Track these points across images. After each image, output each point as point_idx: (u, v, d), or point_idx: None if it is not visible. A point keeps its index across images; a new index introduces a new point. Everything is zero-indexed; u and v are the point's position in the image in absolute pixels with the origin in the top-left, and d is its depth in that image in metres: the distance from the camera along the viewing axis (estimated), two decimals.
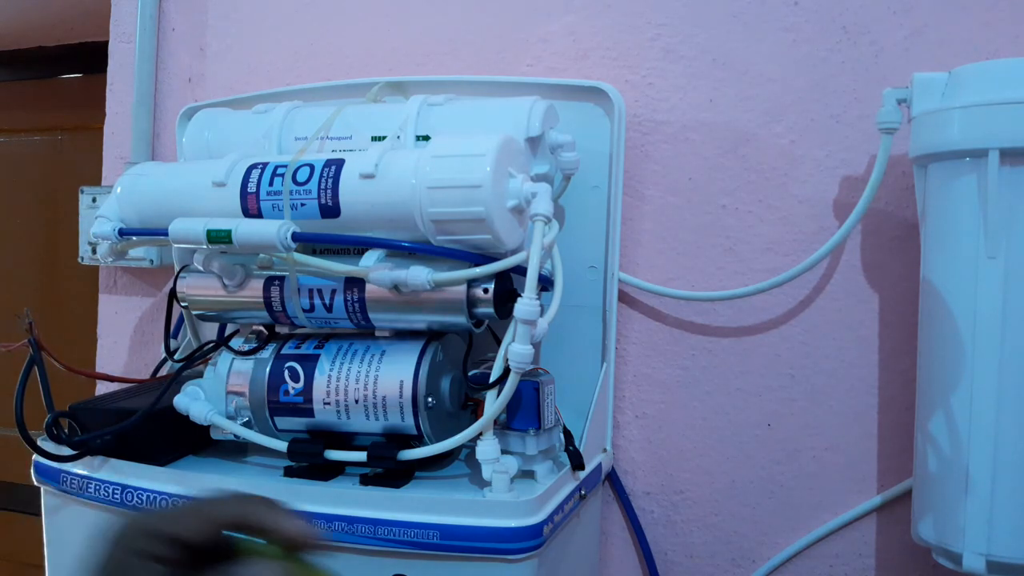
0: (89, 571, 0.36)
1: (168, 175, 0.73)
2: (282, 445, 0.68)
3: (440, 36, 0.91)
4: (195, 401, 0.70)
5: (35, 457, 0.70)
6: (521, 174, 0.63)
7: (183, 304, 0.74)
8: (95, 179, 1.08)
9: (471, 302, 0.64)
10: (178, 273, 0.74)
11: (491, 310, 0.64)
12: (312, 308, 0.68)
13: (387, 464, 0.66)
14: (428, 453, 0.64)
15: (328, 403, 0.67)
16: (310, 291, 0.68)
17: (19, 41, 1.63)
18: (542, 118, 0.70)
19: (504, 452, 0.64)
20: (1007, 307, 0.61)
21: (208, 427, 0.70)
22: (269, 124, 0.76)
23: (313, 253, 0.67)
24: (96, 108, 1.09)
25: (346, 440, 0.68)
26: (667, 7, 0.83)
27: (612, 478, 0.84)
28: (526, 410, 0.65)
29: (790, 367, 0.80)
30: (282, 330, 0.75)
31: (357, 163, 0.64)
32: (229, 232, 0.64)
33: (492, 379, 0.62)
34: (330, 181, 0.64)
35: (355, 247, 0.67)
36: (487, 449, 0.62)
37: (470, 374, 0.67)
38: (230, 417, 0.70)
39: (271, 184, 0.66)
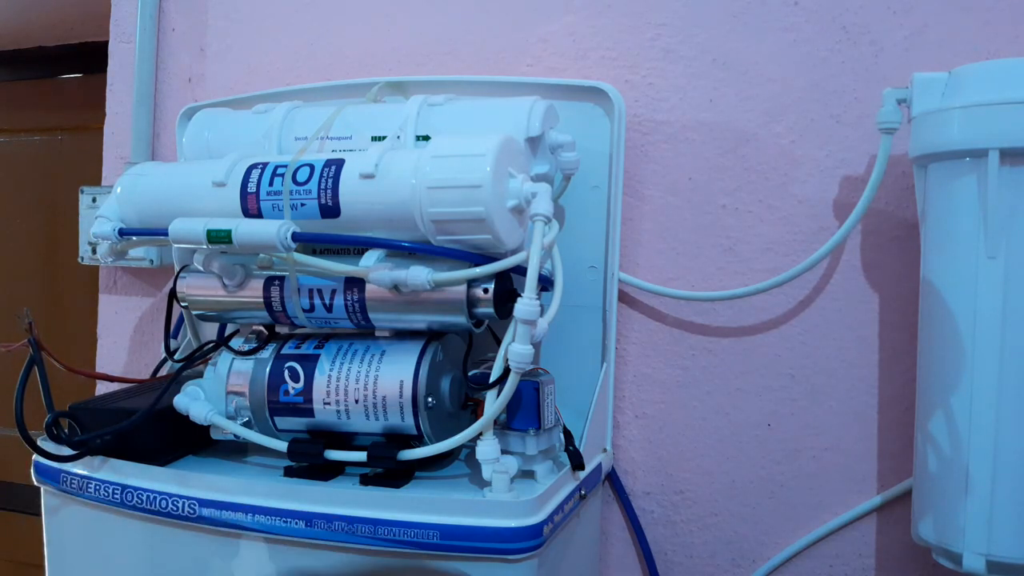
0: None
1: (168, 175, 0.73)
2: (282, 445, 0.68)
3: (440, 36, 0.91)
4: (195, 401, 0.70)
5: (35, 457, 0.70)
6: (521, 174, 0.63)
7: (183, 304, 0.74)
8: (95, 179, 1.08)
9: (471, 302, 0.64)
10: (178, 273, 0.74)
11: (491, 310, 0.64)
12: (312, 308, 0.68)
13: (387, 464, 0.66)
14: (428, 453, 0.64)
15: (328, 403, 0.67)
16: (310, 291, 0.68)
17: (19, 41, 1.63)
18: (542, 118, 0.70)
19: (504, 452, 0.64)
20: (1007, 307, 0.61)
21: (208, 427, 0.70)
22: (269, 124, 0.76)
23: (313, 253, 0.67)
24: (96, 108, 1.09)
25: (346, 440, 0.68)
26: (667, 7, 0.83)
27: (612, 478, 0.85)
28: (526, 410, 0.65)
29: (790, 367, 0.80)
30: (282, 330, 0.75)
31: (357, 163, 0.64)
32: (229, 232, 0.64)
33: (492, 379, 0.62)
34: (330, 181, 0.64)
35: (355, 247, 0.67)
36: (487, 449, 0.62)
37: (470, 374, 0.67)
38: (230, 417, 0.70)
39: (271, 184, 0.67)
